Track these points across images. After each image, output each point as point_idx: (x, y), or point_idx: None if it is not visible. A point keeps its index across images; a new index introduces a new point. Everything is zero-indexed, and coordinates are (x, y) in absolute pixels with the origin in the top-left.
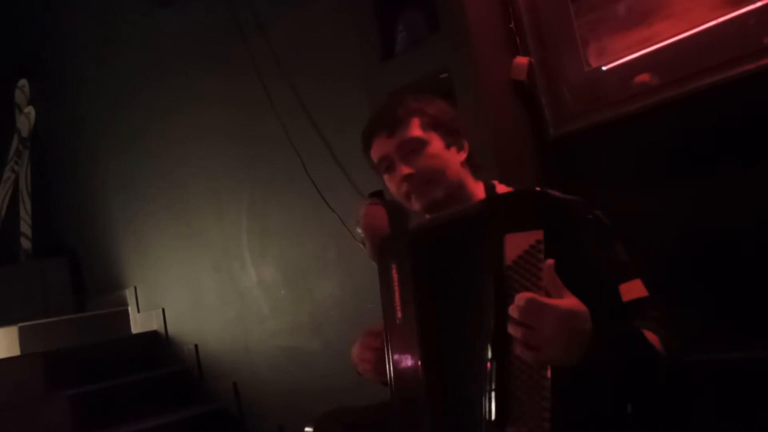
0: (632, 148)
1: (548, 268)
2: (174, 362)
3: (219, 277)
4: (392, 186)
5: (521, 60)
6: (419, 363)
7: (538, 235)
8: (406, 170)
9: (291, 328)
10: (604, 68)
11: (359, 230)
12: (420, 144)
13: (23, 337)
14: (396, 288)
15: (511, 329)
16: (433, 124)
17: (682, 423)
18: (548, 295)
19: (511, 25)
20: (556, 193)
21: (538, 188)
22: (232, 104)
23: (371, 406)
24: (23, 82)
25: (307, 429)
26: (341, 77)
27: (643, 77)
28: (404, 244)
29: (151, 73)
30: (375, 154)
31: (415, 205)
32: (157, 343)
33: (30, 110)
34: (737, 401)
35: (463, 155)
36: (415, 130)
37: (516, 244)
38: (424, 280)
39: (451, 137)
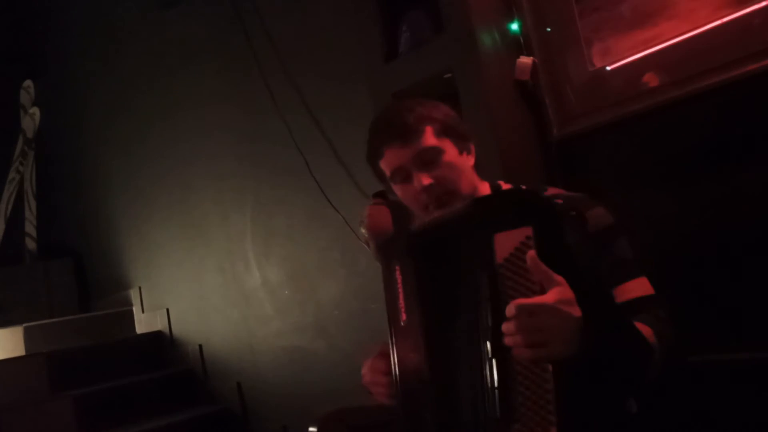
0: (636, 148)
1: (531, 259)
2: (178, 362)
3: (223, 277)
4: (407, 197)
5: (525, 60)
6: (425, 365)
7: (528, 231)
8: (426, 181)
9: (295, 328)
10: (608, 68)
11: (363, 230)
12: (436, 153)
13: (28, 338)
14: (400, 289)
15: (508, 341)
16: (445, 131)
17: (686, 422)
18: (542, 287)
19: (515, 26)
20: (558, 190)
21: (523, 186)
22: (236, 105)
23: (375, 406)
24: (28, 83)
25: (311, 429)
26: (345, 78)
27: (647, 77)
28: (405, 245)
29: (155, 74)
30: (388, 165)
31: (434, 215)
32: (161, 343)
33: (35, 111)
34: (740, 402)
35: (473, 159)
36: (430, 138)
37: (506, 242)
38: (426, 281)
39: (462, 142)
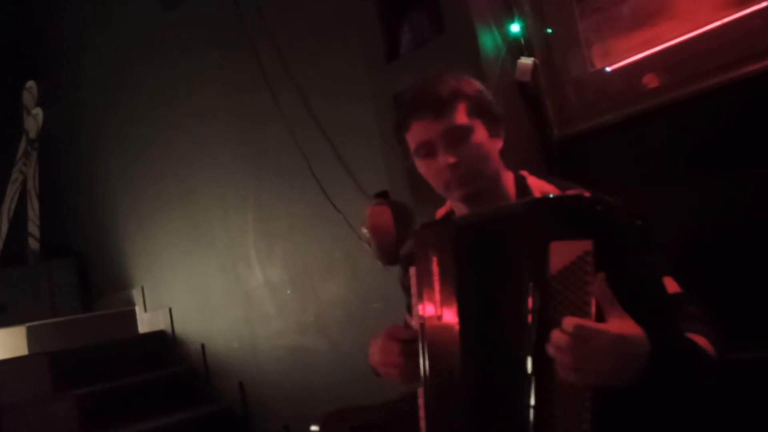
0: (636, 149)
1: (600, 282)
2: (180, 362)
3: (225, 277)
4: (429, 172)
5: (526, 61)
6: (458, 367)
7: (587, 245)
8: (451, 159)
9: (297, 328)
10: (608, 69)
11: (365, 230)
12: (466, 132)
13: (31, 337)
14: (436, 282)
15: (556, 354)
16: (478, 110)
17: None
18: (599, 310)
19: (516, 27)
20: (608, 199)
21: (587, 193)
22: (238, 105)
23: (377, 405)
24: (31, 83)
25: (312, 428)
26: (346, 79)
27: (648, 78)
28: (448, 235)
29: (157, 74)
30: (414, 138)
31: (454, 195)
32: (163, 342)
33: (38, 112)
34: (740, 402)
35: (501, 143)
36: (462, 116)
37: (562, 252)
38: (467, 277)
39: (493, 125)
